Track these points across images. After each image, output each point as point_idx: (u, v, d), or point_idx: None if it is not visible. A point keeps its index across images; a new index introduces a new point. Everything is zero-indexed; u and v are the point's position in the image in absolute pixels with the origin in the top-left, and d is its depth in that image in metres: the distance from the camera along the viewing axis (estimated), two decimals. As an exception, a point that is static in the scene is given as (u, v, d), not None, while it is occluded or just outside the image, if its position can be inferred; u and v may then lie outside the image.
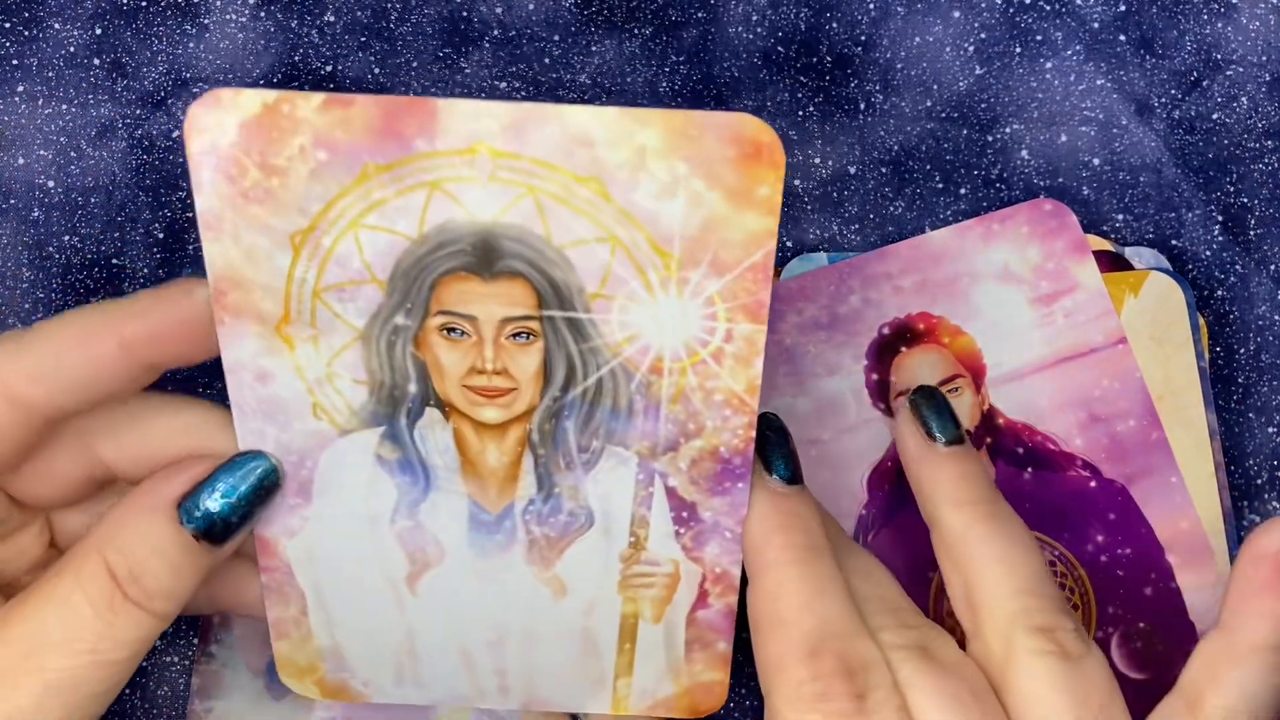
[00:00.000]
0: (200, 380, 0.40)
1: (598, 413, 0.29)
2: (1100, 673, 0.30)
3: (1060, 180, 0.42)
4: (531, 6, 0.43)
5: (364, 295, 0.28)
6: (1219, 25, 0.43)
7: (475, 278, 0.28)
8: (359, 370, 0.29)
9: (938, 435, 0.32)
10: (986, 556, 0.30)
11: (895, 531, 0.38)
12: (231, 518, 0.29)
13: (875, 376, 0.39)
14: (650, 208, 0.27)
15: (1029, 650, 0.29)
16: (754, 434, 0.29)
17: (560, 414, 0.29)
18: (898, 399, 0.39)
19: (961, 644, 0.31)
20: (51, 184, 0.41)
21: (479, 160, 0.26)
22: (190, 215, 0.41)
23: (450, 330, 0.28)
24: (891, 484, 0.38)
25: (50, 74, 0.42)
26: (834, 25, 0.43)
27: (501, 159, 0.26)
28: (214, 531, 0.29)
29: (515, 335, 0.28)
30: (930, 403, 0.32)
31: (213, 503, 0.29)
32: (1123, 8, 0.43)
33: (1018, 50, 0.43)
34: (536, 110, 0.26)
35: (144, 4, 0.43)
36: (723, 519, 0.31)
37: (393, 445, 0.30)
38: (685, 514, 0.31)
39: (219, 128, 0.26)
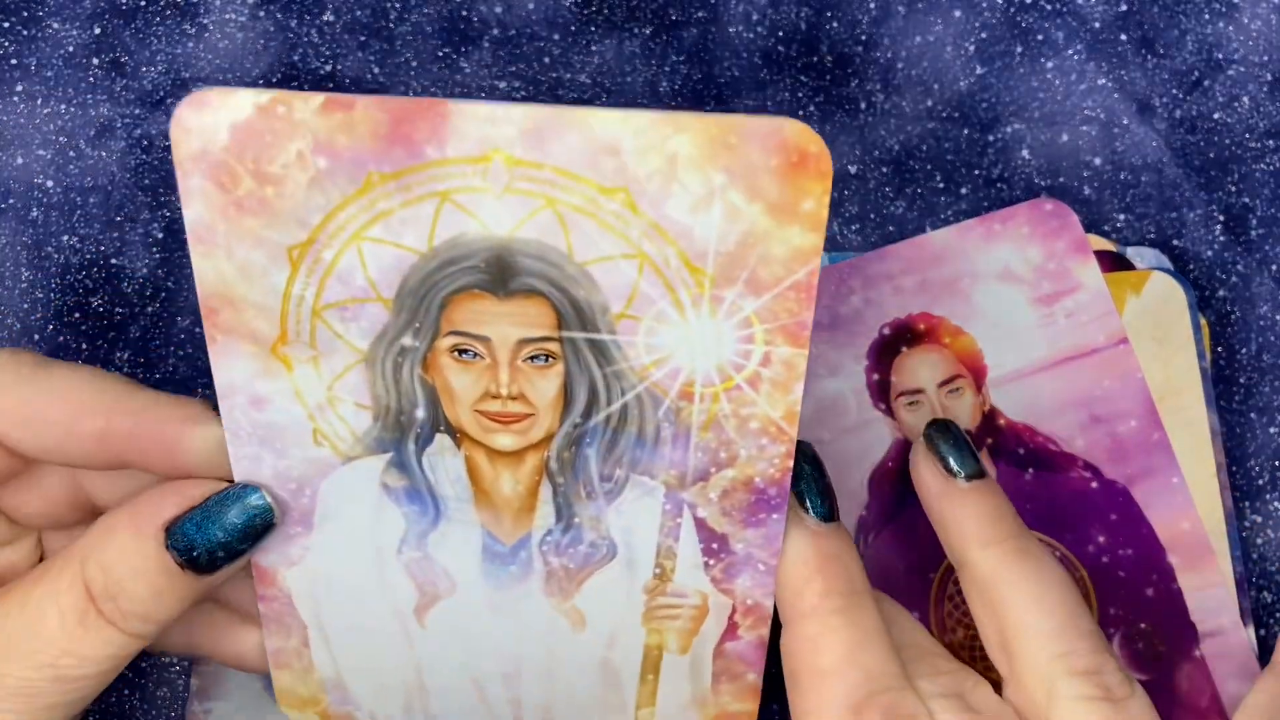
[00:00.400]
0: (200, 382, 0.40)
1: (622, 440, 0.27)
2: (1146, 714, 0.29)
3: (1061, 180, 0.42)
4: (531, 6, 0.43)
5: (368, 314, 0.26)
6: (1220, 25, 0.43)
7: (489, 296, 0.26)
8: (363, 394, 0.27)
9: (957, 470, 0.31)
10: (1020, 598, 0.29)
11: (896, 532, 0.38)
12: (218, 552, 0.28)
13: (876, 377, 0.39)
14: (683, 221, 0.24)
15: (1072, 696, 0.28)
16: (791, 464, 0.28)
17: (581, 441, 0.27)
18: (898, 399, 0.39)
19: (992, 681, 0.30)
20: (50, 184, 0.41)
21: (494, 169, 0.24)
22: (189, 215, 0.41)
23: (462, 352, 0.27)
24: (892, 485, 0.38)
25: (49, 74, 0.42)
26: (834, 25, 0.43)
27: (519, 168, 0.24)
28: (199, 562, 0.28)
29: (533, 358, 0.26)
30: (946, 437, 0.31)
31: (201, 533, 0.28)
32: (1124, 7, 0.43)
33: (1019, 50, 0.43)
34: (558, 115, 0.24)
35: (143, 4, 0.43)
36: (756, 551, 0.29)
37: (399, 473, 0.28)
38: (715, 545, 0.29)
39: (209, 131, 0.24)
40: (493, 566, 0.30)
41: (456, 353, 0.27)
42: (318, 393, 0.27)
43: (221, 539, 0.28)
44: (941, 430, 0.31)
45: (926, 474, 0.31)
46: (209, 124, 0.24)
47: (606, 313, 0.26)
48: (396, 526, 0.29)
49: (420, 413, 0.27)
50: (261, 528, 0.28)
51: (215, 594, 0.31)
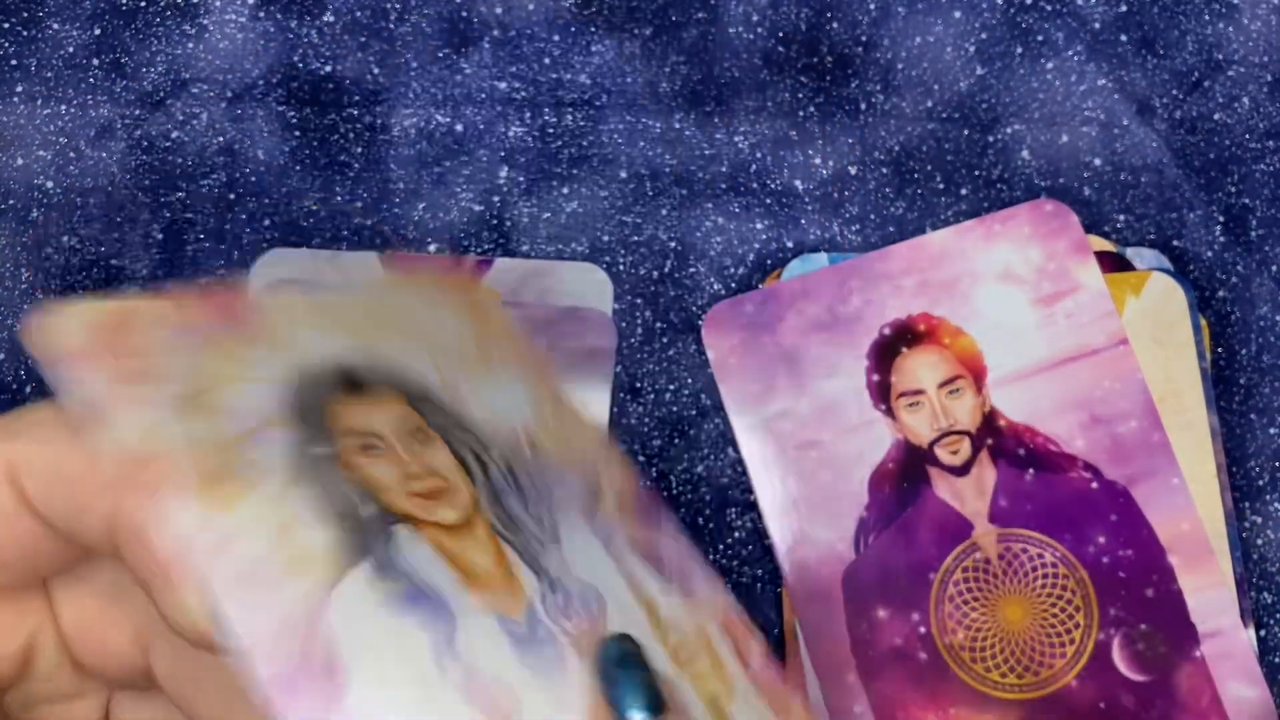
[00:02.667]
0: (199, 381, 0.40)
1: (525, 485, 0.28)
2: None
3: (1061, 180, 0.41)
4: (531, 6, 0.43)
5: (273, 438, 0.26)
6: (1220, 25, 0.43)
7: (354, 397, 0.27)
8: (312, 510, 0.27)
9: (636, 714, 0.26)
10: None
11: (896, 533, 0.38)
12: None
13: (876, 377, 0.39)
14: (436, 329, 0.29)
15: None
16: (628, 469, 0.29)
17: (500, 496, 0.28)
18: (898, 400, 0.39)
19: None
20: (50, 184, 0.41)
21: (298, 316, 0.28)
22: (190, 216, 0.41)
23: (367, 448, 0.27)
24: (892, 485, 0.38)
25: (49, 74, 0.42)
26: (834, 25, 0.43)
27: (316, 310, 0.28)
28: None
29: (416, 434, 0.28)
30: (630, 670, 0.27)
31: None
32: (1124, 8, 0.43)
33: (1019, 50, 0.43)
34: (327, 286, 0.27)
35: (143, 4, 0.43)
36: (682, 549, 0.29)
37: (387, 577, 0.27)
38: (655, 559, 0.29)
39: (66, 336, 0.25)
40: (526, 654, 0.28)
41: (363, 449, 0.27)
42: (269, 522, 0.26)
43: None
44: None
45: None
46: (63, 332, 0.25)
47: (436, 388, 0.28)
48: (421, 640, 0.27)
49: (368, 510, 0.27)
50: None
51: None
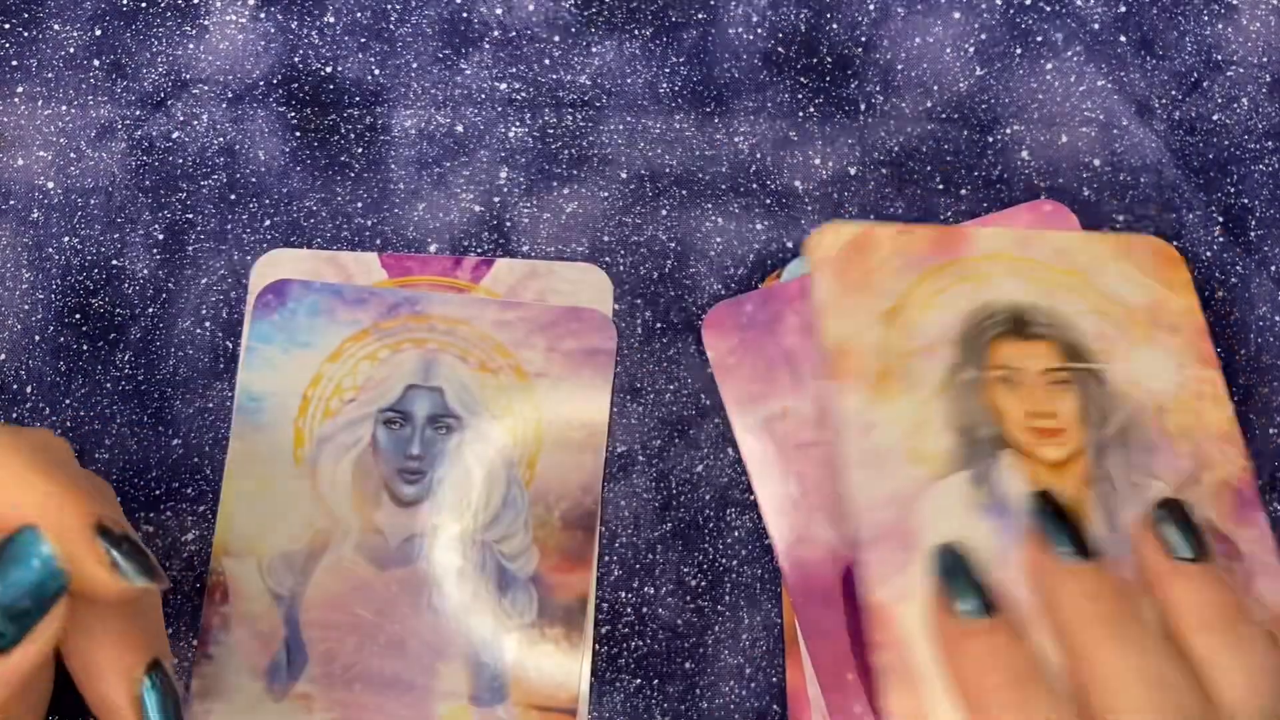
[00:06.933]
0: (199, 382, 0.40)
1: (1132, 448, 0.34)
2: None
3: (1061, 181, 0.42)
4: (531, 7, 0.43)
5: (939, 356, 0.35)
6: (1219, 26, 0.43)
7: (1017, 338, 0.35)
8: (945, 419, 0.34)
9: (1181, 553, 0.31)
10: (1231, 683, 0.28)
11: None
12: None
13: (876, 377, 0.39)
14: (1118, 291, 0.36)
15: None
16: (1247, 463, 0.34)
17: (1105, 450, 0.34)
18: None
19: None
20: (51, 185, 0.41)
21: (1001, 263, 0.36)
22: (190, 216, 0.41)
23: (1006, 380, 0.34)
24: (892, 485, 0.38)
25: (50, 75, 0.42)
26: (834, 26, 0.43)
27: (1015, 262, 0.36)
28: None
29: (1055, 383, 0.34)
30: (1176, 519, 0.31)
31: None
32: (1123, 9, 0.43)
33: (1018, 51, 0.43)
34: (1033, 235, 0.37)
35: (143, 5, 0.43)
36: (1258, 550, 0.33)
37: (979, 487, 0.33)
38: (1227, 545, 0.33)
39: (832, 247, 0.36)
40: None
41: (1003, 381, 0.34)
42: (910, 417, 0.34)
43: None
44: (1171, 509, 0.32)
45: (1150, 556, 0.31)
46: (831, 243, 0.36)
47: (1089, 350, 0.35)
48: (988, 543, 0.32)
49: (987, 430, 0.34)
50: (56, 592, 0.25)
51: None
